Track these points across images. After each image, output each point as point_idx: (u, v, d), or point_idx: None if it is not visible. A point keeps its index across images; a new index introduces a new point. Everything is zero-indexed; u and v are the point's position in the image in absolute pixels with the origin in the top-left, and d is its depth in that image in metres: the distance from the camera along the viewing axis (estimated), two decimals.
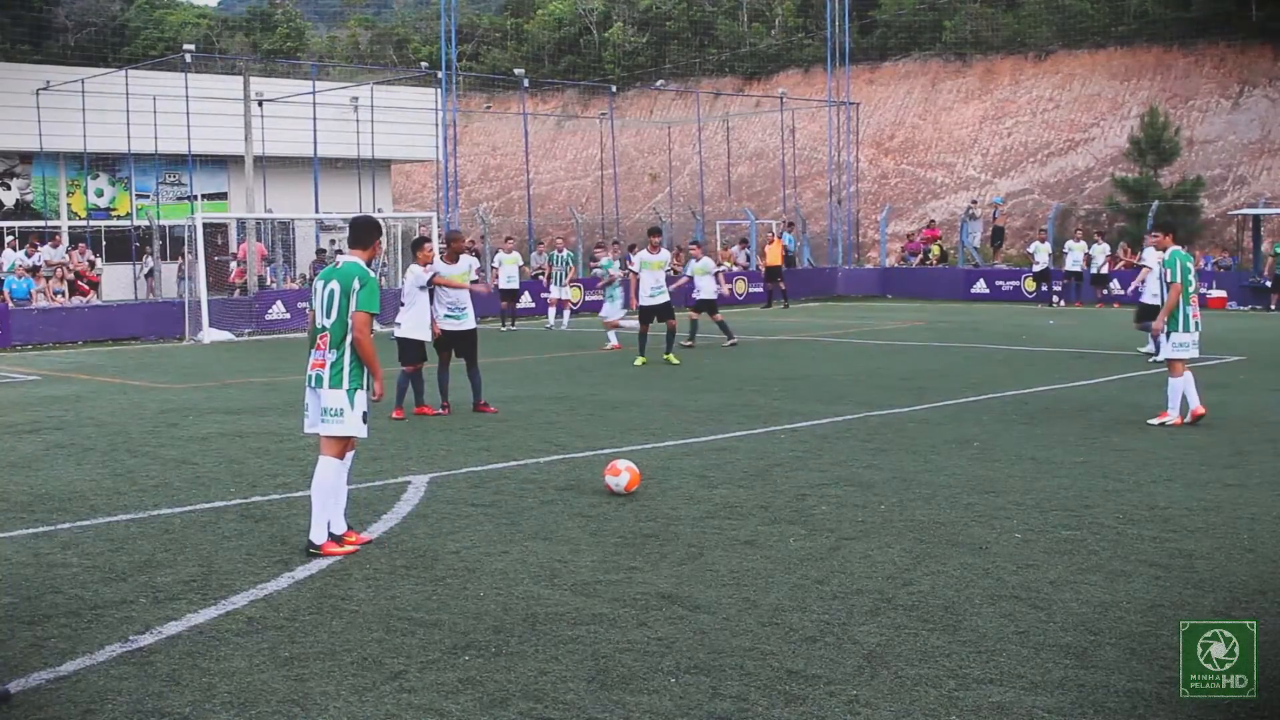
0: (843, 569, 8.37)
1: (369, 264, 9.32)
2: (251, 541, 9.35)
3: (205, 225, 32.35)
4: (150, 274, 40.02)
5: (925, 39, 62.20)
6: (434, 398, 16.33)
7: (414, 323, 16.00)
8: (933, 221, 50.52)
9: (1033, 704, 6.02)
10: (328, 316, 9.04)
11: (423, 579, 8.27)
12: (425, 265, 16.11)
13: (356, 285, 8.99)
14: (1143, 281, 22.00)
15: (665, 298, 21.66)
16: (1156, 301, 21.29)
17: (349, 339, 9.01)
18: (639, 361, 21.41)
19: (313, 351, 9.16)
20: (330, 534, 9.01)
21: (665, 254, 21.98)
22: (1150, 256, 22.17)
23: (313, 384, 9.12)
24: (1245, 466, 11.89)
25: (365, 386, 9.13)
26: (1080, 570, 8.27)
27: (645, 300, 21.63)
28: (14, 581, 8.35)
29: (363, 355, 9.01)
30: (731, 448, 13.27)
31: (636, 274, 21.86)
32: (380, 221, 9.91)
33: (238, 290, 35.61)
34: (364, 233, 9.37)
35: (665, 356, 21.54)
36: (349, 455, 9.30)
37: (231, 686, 6.36)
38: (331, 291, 9.05)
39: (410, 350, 16.05)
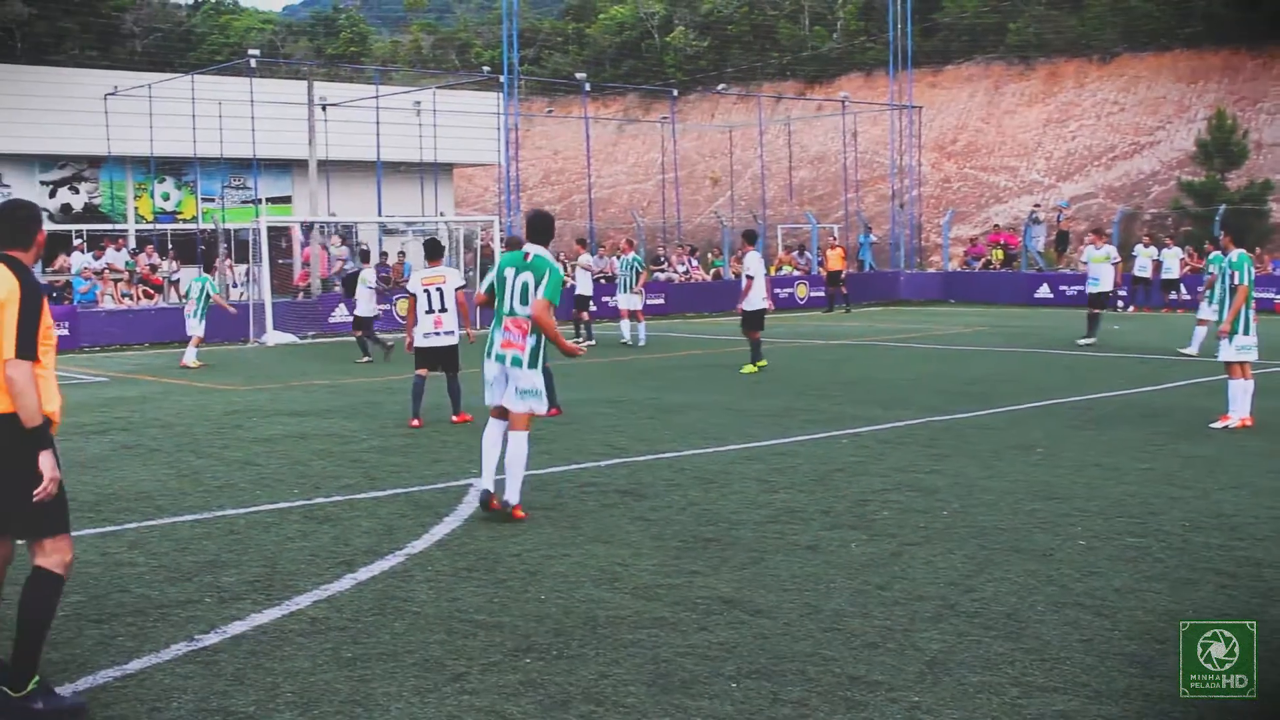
0: (905, 575, 8.33)
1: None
2: (315, 543, 9.42)
3: (270, 229, 32.65)
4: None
5: (988, 42, 61.75)
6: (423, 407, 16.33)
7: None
8: (997, 226, 50.17)
9: (1097, 713, 5.97)
10: (524, 303, 10.05)
11: (484, 581, 8.29)
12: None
13: (546, 279, 10.01)
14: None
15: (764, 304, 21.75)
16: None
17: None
18: (757, 367, 21.51)
19: (502, 331, 10.13)
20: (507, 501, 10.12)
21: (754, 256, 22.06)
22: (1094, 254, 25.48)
23: (507, 362, 10.05)
24: None
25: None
26: (1145, 578, 8.18)
27: (760, 305, 21.65)
28: (82, 580, 8.44)
29: (548, 334, 10.05)
30: (792, 452, 13.24)
31: (751, 278, 21.68)
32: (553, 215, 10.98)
33: (301, 293, 35.88)
34: (546, 227, 10.51)
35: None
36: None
37: (295, 686, 6.41)
38: (525, 283, 10.05)
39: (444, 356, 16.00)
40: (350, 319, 27.93)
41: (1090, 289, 26.07)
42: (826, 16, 70.12)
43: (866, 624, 7.30)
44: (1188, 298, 36.65)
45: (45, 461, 5.99)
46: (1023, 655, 6.73)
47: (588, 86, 49.05)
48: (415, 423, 15.54)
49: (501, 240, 34.08)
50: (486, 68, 57.55)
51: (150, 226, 42.81)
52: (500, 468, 10.21)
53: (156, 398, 19.19)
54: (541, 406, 10.24)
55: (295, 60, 67.21)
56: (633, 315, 28.16)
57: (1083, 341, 25.12)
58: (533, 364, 10.05)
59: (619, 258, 30.50)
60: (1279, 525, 9.61)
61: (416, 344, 15.91)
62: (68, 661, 6.82)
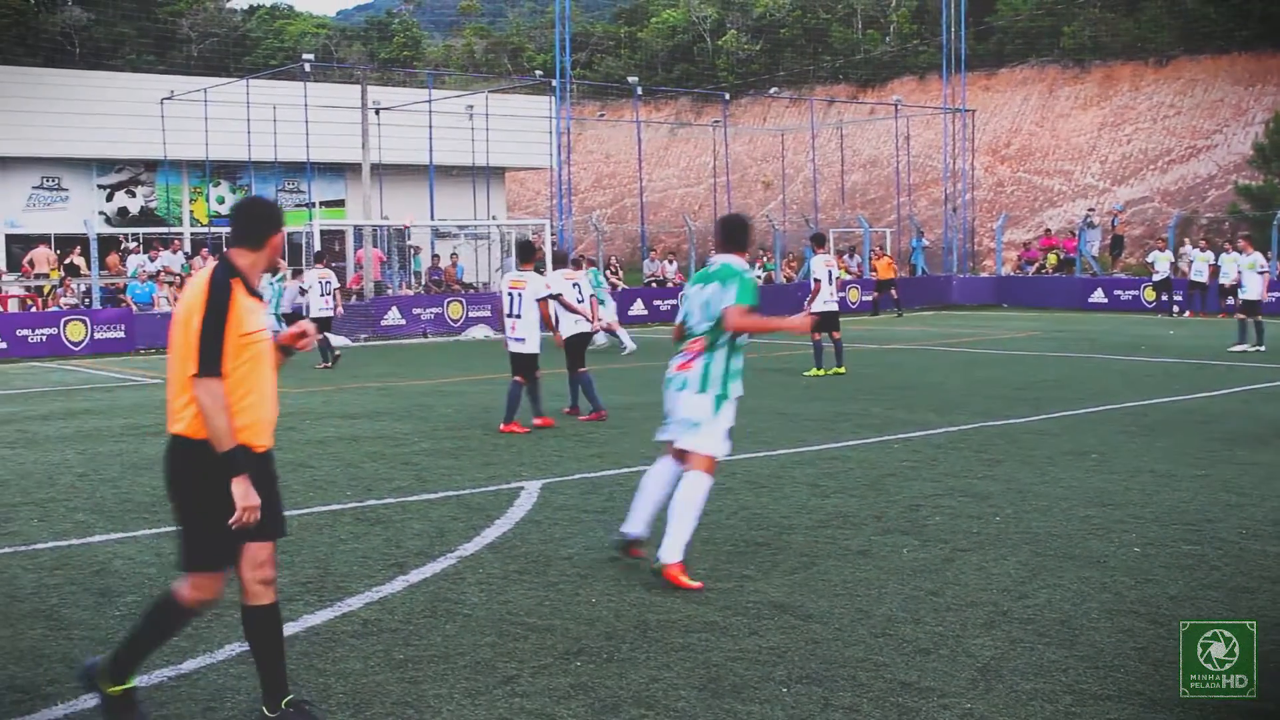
0: (957, 580, 8.28)
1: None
2: (367, 545, 9.46)
3: (322, 232, 32.85)
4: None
5: (1043, 45, 61.39)
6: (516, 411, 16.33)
7: (536, 335, 15.80)
8: (1048, 230, 49.85)
9: None
10: (705, 320, 8.47)
11: (535, 584, 8.30)
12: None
13: (734, 285, 8.35)
14: None
15: (834, 306, 21.64)
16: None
17: (724, 342, 8.45)
18: (825, 371, 21.49)
19: (679, 355, 8.63)
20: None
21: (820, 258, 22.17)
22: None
23: (675, 386, 8.58)
24: None
25: (732, 398, 8.50)
26: (1201, 586, 8.10)
27: (821, 307, 21.37)
28: (138, 580, 8.53)
29: (761, 328, 8.52)
30: (844, 457, 13.20)
31: (819, 280, 21.55)
32: (750, 220, 9.26)
33: (354, 296, 36.06)
34: (739, 233, 8.80)
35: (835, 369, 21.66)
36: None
37: (346, 687, 6.44)
38: (708, 299, 8.47)
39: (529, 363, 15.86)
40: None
41: (1243, 295, 26.00)
42: (879, 20, 69.97)
43: (918, 630, 7.26)
44: None
45: (237, 489, 5.63)
46: (1076, 663, 6.68)
47: (639, 90, 49.13)
48: (525, 424, 15.46)
49: (553, 246, 34.09)
50: (539, 71, 57.67)
51: (205, 229, 43.19)
52: (656, 513, 8.75)
53: None
54: (711, 445, 8.44)
55: (349, 64, 67.64)
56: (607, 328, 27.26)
57: (1245, 349, 24.72)
58: (702, 388, 8.39)
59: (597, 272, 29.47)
60: None
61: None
62: None
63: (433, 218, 41.55)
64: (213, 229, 43.13)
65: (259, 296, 5.84)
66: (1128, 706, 6.07)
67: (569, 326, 16.75)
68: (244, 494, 5.63)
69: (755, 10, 73.92)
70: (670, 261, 42.65)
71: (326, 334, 24.70)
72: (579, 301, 17.07)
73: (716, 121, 55.39)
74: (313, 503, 11.11)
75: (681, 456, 8.60)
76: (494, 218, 45.19)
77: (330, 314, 25.16)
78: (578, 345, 16.60)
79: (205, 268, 5.77)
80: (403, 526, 10.08)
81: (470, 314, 33.69)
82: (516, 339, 15.64)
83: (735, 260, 8.57)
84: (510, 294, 15.72)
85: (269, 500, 5.89)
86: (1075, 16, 60.47)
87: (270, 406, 5.92)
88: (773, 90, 62.94)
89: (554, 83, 44.97)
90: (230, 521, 5.61)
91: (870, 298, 40.89)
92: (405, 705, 6.19)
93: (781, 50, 71.20)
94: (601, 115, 70.26)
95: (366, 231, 37.41)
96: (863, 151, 62.50)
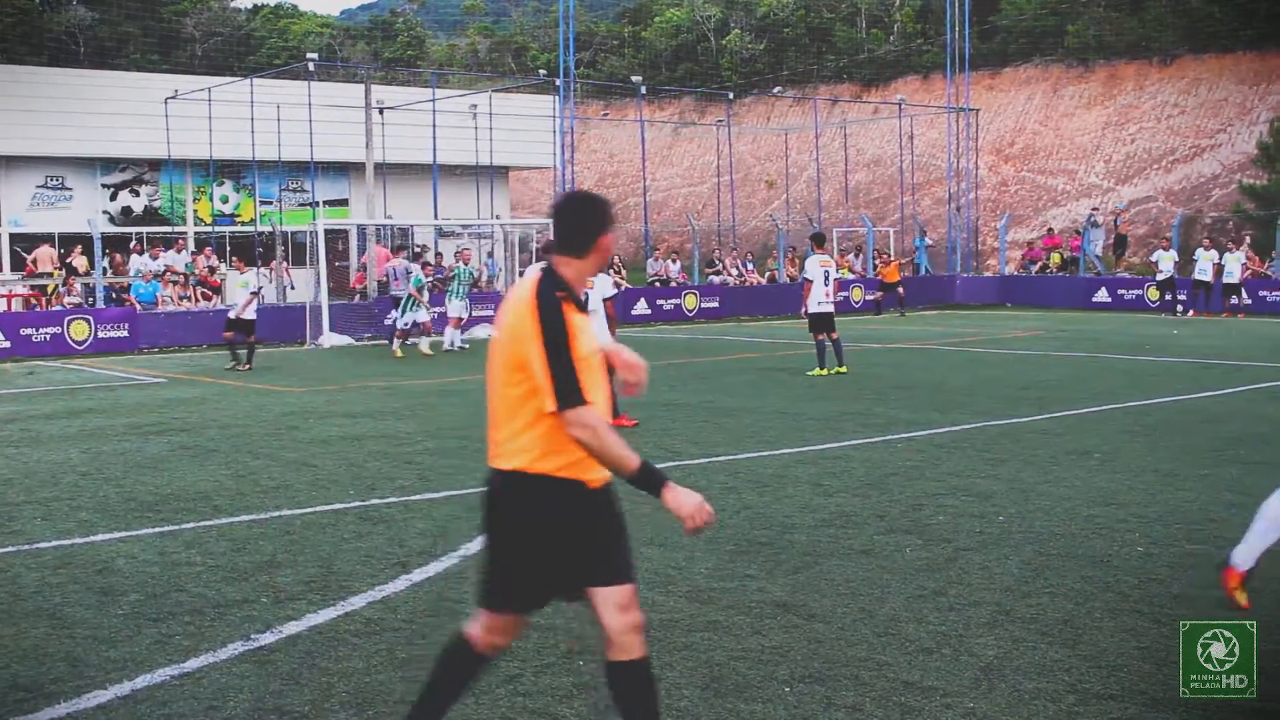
0: (960, 580, 8.28)
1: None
2: (370, 544, 9.46)
3: (326, 231, 32.84)
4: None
5: (1047, 44, 61.31)
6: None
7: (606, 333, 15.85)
8: (1051, 230, 49.81)
9: None
10: None
11: None
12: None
13: None
14: None
15: (829, 308, 21.41)
16: None
17: None
18: (828, 371, 21.37)
19: None
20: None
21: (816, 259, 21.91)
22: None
23: None
24: None
25: None
26: (1205, 585, 8.08)
27: (815, 309, 21.36)
28: (141, 579, 8.53)
29: None
30: (847, 456, 13.19)
31: (810, 281, 21.50)
32: None
33: (358, 295, 36.01)
34: None
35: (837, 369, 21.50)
36: None
37: (349, 687, 6.44)
38: None
39: None
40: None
41: None
42: (883, 19, 69.92)
43: (921, 629, 7.26)
44: (1249, 302, 36.30)
45: (672, 500, 5.05)
46: (1079, 662, 6.67)
47: (643, 90, 49.08)
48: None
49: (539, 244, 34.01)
50: (542, 71, 57.70)
51: (209, 229, 43.20)
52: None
53: (214, 399, 19.35)
54: None
55: (353, 64, 67.65)
56: (457, 322, 28.04)
57: None
58: None
59: (461, 267, 28.66)
60: None
61: None
62: (126, 660, 6.89)
63: (436, 217, 41.54)
64: (216, 228, 43.15)
65: (585, 309, 5.20)
66: (1131, 706, 6.07)
67: None
68: (679, 501, 5.00)
69: (759, 10, 73.89)
70: (674, 261, 42.59)
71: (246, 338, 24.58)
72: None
73: (720, 121, 55.37)
74: (316, 502, 11.11)
75: None
76: (498, 217, 45.18)
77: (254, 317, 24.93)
78: None
79: (528, 280, 5.12)
80: (406, 526, 10.08)
81: (474, 313, 33.62)
82: None
83: None
84: None
85: (615, 536, 5.32)
86: (1079, 15, 60.36)
87: None
88: (776, 90, 62.91)
89: (558, 82, 44.99)
90: (688, 531, 5.04)
91: (873, 297, 40.89)
92: (408, 704, 6.17)
93: (785, 50, 71.15)
94: (605, 115, 70.24)
95: (370, 231, 37.37)
96: (866, 151, 62.45)
